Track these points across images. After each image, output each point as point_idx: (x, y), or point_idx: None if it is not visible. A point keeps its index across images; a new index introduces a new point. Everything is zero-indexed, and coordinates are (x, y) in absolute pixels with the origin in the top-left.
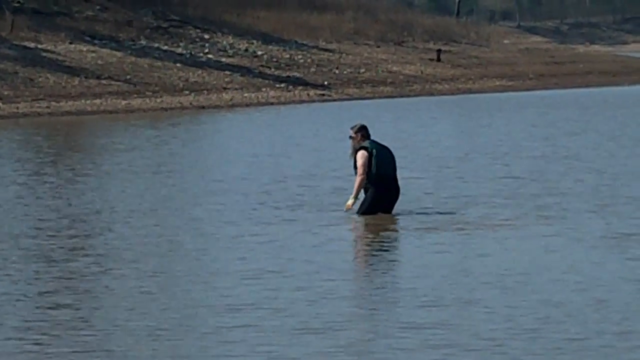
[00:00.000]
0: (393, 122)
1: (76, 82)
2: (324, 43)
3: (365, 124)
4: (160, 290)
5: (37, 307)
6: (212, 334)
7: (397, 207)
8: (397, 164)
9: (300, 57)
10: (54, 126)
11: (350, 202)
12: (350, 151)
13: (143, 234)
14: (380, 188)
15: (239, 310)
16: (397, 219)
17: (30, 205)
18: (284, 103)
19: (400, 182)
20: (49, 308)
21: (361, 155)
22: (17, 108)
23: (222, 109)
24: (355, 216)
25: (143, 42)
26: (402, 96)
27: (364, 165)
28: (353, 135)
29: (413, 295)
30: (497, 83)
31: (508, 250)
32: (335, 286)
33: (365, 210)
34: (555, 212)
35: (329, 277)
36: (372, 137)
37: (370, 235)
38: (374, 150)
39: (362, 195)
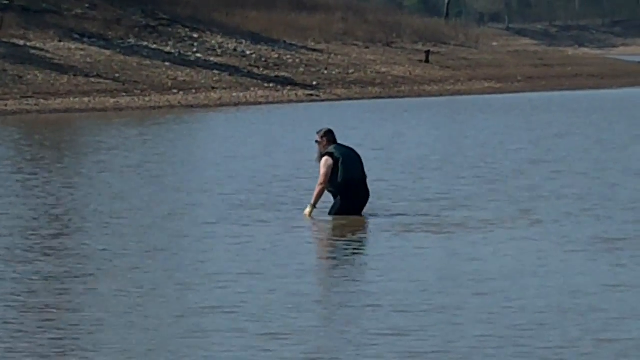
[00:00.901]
0: (379, 123)
1: (65, 80)
2: (312, 43)
3: (332, 128)
4: (134, 290)
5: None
6: (183, 337)
7: (376, 209)
8: (380, 166)
9: (289, 57)
10: (40, 124)
11: (307, 210)
12: (316, 156)
13: (118, 235)
14: (349, 194)
15: (211, 313)
16: (375, 221)
17: (8, 203)
18: (272, 103)
19: (380, 184)
20: (27, 309)
21: (324, 162)
22: (6, 105)
23: (211, 108)
24: (329, 217)
25: (132, 40)
26: (390, 97)
27: (325, 174)
28: (319, 139)
29: (387, 300)
30: (486, 85)
31: (488, 253)
32: (307, 290)
33: (335, 213)
34: (538, 215)
35: (300, 280)
36: (339, 141)
37: (346, 237)
38: (340, 156)
39: (328, 199)
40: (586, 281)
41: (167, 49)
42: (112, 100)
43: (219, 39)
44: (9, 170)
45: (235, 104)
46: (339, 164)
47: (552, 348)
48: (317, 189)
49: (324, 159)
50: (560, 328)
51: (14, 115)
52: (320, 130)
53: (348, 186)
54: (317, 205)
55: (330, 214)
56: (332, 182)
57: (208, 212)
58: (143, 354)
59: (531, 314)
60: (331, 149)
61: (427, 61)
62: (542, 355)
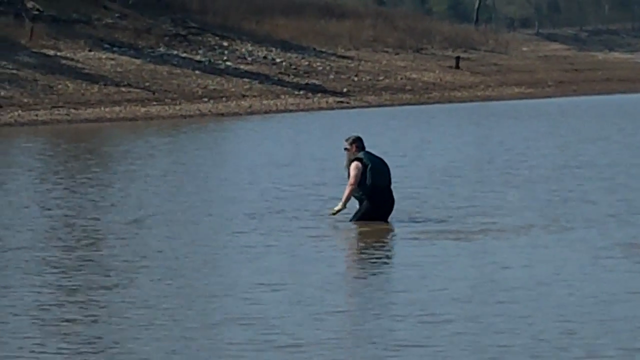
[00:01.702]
0: (408, 129)
1: (95, 90)
2: (342, 50)
3: (361, 134)
4: (156, 301)
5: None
6: (206, 349)
7: (402, 216)
8: (408, 172)
9: (319, 64)
10: (70, 134)
11: (337, 207)
12: (345, 162)
13: (140, 244)
14: (375, 200)
15: (233, 324)
16: (401, 229)
17: (30, 214)
18: (302, 110)
19: (407, 190)
20: (59, 320)
21: (355, 166)
22: (37, 115)
23: (241, 117)
24: (352, 225)
25: (162, 49)
26: (420, 103)
27: (356, 176)
28: (348, 146)
29: (413, 309)
30: (516, 90)
31: (515, 261)
32: (331, 300)
33: (359, 219)
34: (566, 221)
35: (324, 290)
36: (367, 149)
37: (370, 245)
38: (369, 162)
39: (355, 204)
40: (615, 289)
41: (197, 57)
42: (142, 109)
43: (249, 47)
44: (38, 180)
45: (266, 112)
46: (368, 170)
47: (582, 358)
48: (348, 189)
49: (354, 163)
50: (589, 337)
51: (45, 125)
52: (349, 138)
53: (375, 191)
54: (345, 208)
55: (352, 220)
56: (360, 187)
57: (231, 221)
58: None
59: (560, 323)
60: (360, 155)
61: (457, 67)
62: None
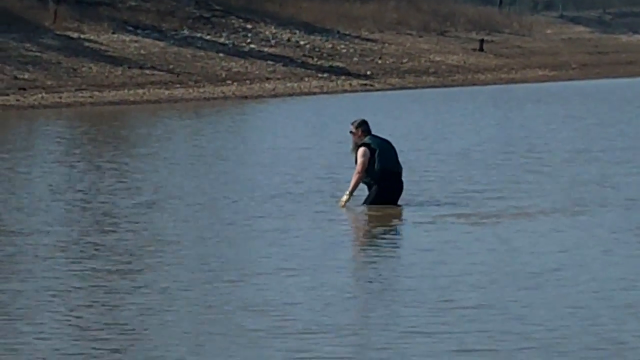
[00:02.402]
0: (431, 111)
1: (119, 72)
2: (366, 33)
3: (366, 119)
4: (174, 287)
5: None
6: (225, 335)
7: (420, 199)
8: (427, 155)
9: (342, 47)
10: (94, 116)
11: (344, 198)
12: (351, 146)
13: (158, 228)
14: (384, 184)
15: (252, 311)
16: (418, 212)
17: (54, 198)
18: (326, 93)
19: (429, 173)
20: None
21: (362, 152)
22: (60, 98)
23: (265, 99)
24: (365, 208)
25: (186, 32)
26: (444, 86)
27: (363, 163)
28: (354, 130)
29: (430, 295)
30: (540, 73)
31: (534, 245)
32: (345, 286)
33: (371, 203)
34: (585, 205)
35: (339, 275)
36: (373, 132)
37: (385, 230)
38: (377, 147)
39: (363, 190)
40: (636, 273)
41: (221, 40)
42: (166, 92)
43: (273, 30)
44: (54, 163)
45: (289, 95)
46: (376, 155)
47: (603, 344)
48: (355, 177)
49: (362, 149)
50: (611, 323)
51: (69, 108)
52: (355, 121)
53: (385, 176)
54: (354, 194)
55: (365, 203)
56: (368, 172)
57: (249, 204)
58: (184, 352)
59: (579, 310)
60: (367, 139)
61: (481, 50)
62: (584, 355)
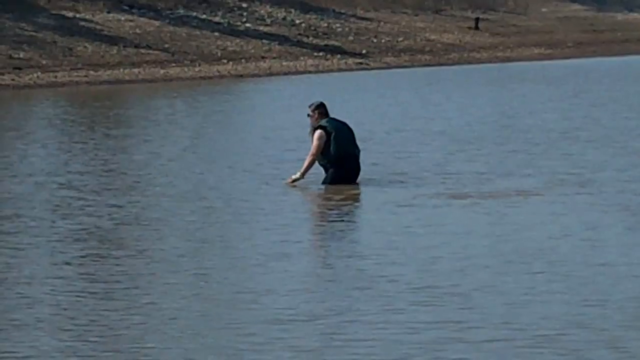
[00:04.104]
0: (424, 91)
1: (114, 52)
2: (361, 12)
3: (323, 100)
4: (162, 273)
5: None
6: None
7: (409, 179)
8: (417, 136)
9: (338, 25)
10: (90, 95)
11: (295, 176)
12: (309, 129)
13: (145, 209)
14: (340, 167)
15: (236, 302)
16: (408, 192)
17: (44, 182)
18: (321, 72)
19: (417, 154)
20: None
21: (318, 135)
22: (56, 77)
23: (260, 78)
24: (324, 187)
25: (181, 11)
26: (440, 65)
27: (318, 146)
28: (311, 113)
29: (436, 281)
30: (536, 51)
31: (529, 225)
32: (321, 270)
33: (329, 183)
34: (577, 185)
35: (310, 259)
36: (331, 115)
37: (374, 211)
38: (333, 130)
39: (316, 171)
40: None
41: (216, 19)
42: (161, 71)
43: (268, 9)
44: (44, 144)
45: (285, 74)
46: (332, 138)
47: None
48: (308, 159)
49: (318, 132)
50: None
51: (64, 87)
52: (312, 104)
53: (340, 159)
54: (303, 178)
55: (323, 183)
56: (324, 155)
57: (237, 187)
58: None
59: (588, 293)
60: (324, 122)
61: (476, 28)
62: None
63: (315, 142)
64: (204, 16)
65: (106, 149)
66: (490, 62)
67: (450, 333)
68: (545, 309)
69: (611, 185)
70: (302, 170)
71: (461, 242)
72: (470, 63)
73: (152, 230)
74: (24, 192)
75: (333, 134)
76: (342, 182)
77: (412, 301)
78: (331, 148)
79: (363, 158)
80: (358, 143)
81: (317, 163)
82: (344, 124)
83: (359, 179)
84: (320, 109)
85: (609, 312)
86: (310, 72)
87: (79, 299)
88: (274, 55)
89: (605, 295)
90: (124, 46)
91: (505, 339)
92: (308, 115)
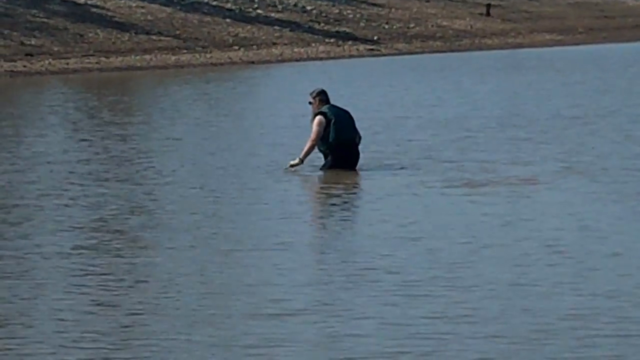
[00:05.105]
0: (435, 77)
1: (126, 38)
2: None
3: (325, 88)
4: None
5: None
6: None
7: (412, 167)
8: (424, 123)
9: (349, 12)
10: (101, 82)
11: (294, 161)
12: (311, 117)
13: (159, 198)
14: (339, 155)
15: (230, 294)
16: (414, 179)
17: (52, 169)
18: (333, 58)
19: (423, 141)
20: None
21: (318, 121)
22: (67, 64)
23: (272, 65)
24: (322, 172)
25: None
26: (451, 51)
27: (317, 132)
28: (312, 100)
29: (447, 272)
30: (547, 37)
31: (536, 214)
32: (324, 259)
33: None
34: (581, 172)
35: (320, 252)
36: (332, 102)
37: (383, 196)
38: (333, 117)
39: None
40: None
41: (228, 5)
42: (173, 58)
43: None
44: (53, 131)
45: (296, 60)
46: (331, 124)
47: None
48: (307, 145)
49: (317, 118)
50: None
51: (75, 74)
52: (313, 92)
53: (339, 146)
54: (302, 163)
55: (322, 169)
56: (323, 142)
57: (242, 176)
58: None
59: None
60: (324, 109)
61: (488, 14)
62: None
63: (314, 127)
64: (215, 2)
65: (113, 136)
66: (501, 48)
67: (454, 327)
68: (554, 301)
69: (619, 173)
70: (301, 155)
71: (464, 232)
72: (481, 49)
73: (150, 221)
74: (32, 179)
75: (333, 121)
76: (340, 169)
77: (413, 294)
78: (330, 135)
79: (365, 145)
80: (360, 130)
81: (316, 149)
82: (345, 111)
83: (359, 166)
84: (321, 96)
85: (619, 303)
86: (321, 58)
87: (82, 289)
88: (285, 41)
89: (616, 285)
90: (136, 33)
91: (511, 331)
92: (309, 102)
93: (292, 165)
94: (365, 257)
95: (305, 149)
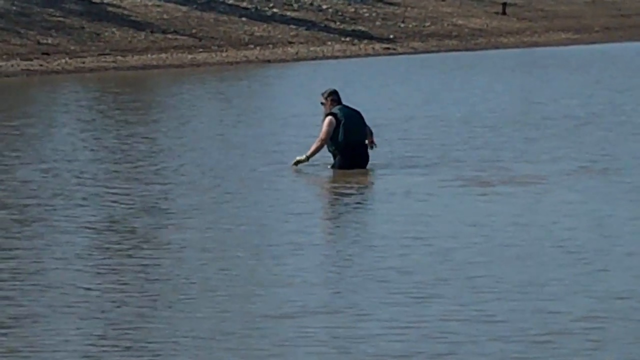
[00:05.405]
0: (449, 76)
1: (142, 37)
2: None
3: (336, 88)
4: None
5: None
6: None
7: (423, 166)
8: (438, 122)
9: (365, 10)
10: (118, 81)
11: (299, 158)
12: (322, 117)
13: (174, 197)
14: (348, 156)
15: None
16: (429, 178)
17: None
18: (349, 57)
19: (436, 141)
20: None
21: (328, 122)
22: (84, 63)
23: (288, 63)
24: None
25: None
26: (467, 49)
27: (327, 132)
28: (323, 100)
29: (460, 272)
30: (563, 36)
31: (551, 211)
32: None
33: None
34: (599, 170)
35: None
36: (343, 102)
37: (409, 197)
38: (343, 117)
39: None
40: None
41: (244, 4)
42: (189, 56)
43: None
44: (69, 129)
45: (312, 59)
46: (341, 125)
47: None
48: (316, 143)
49: (328, 118)
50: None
51: (92, 73)
52: (325, 92)
53: (348, 147)
54: (307, 161)
55: (331, 168)
56: (333, 141)
57: (254, 172)
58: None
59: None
60: (335, 109)
61: (503, 13)
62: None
63: (324, 127)
64: (231, 1)
65: (126, 135)
66: (517, 47)
67: (467, 328)
68: (567, 302)
69: (634, 172)
70: (308, 153)
71: (477, 232)
72: (497, 48)
73: (162, 221)
74: (45, 178)
75: (342, 122)
76: (350, 167)
77: (426, 295)
78: (339, 136)
79: (378, 143)
80: (373, 128)
81: (326, 149)
82: (356, 111)
83: (372, 165)
84: (333, 96)
85: (634, 304)
86: (337, 57)
87: (94, 290)
88: (301, 40)
89: (631, 286)
90: (152, 31)
91: (525, 333)
92: (321, 102)
93: (297, 162)
94: (378, 257)
95: (313, 147)
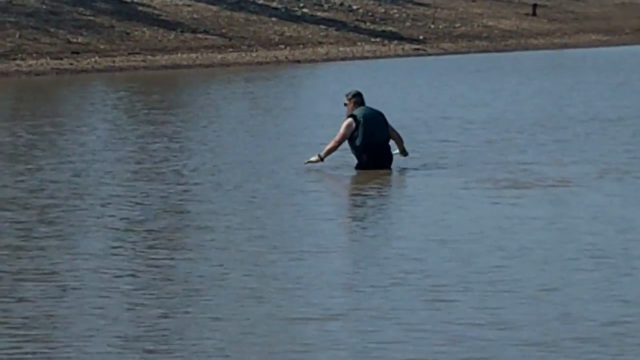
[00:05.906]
0: (478, 78)
1: (172, 36)
2: None
3: (360, 90)
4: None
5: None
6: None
7: (451, 168)
8: (464, 124)
9: (395, 11)
10: (147, 80)
11: (313, 158)
12: (344, 118)
13: (197, 196)
14: (368, 157)
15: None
16: (452, 181)
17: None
18: (379, 57)
19: (458, 143)
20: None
21: (346, 124)
22: (114, 62)
23: (317, 63)
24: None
25: None
26: (497, 51)
27: (343, 134)
28: (346, 102)
29: (477, 277)
30: (593, 38)
31: (571, 215)
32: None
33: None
34: (618, 173)
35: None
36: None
37: (421, 197)
38: (362, 119)
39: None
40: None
41: (274, 4)
42: (219, 56)
43: None
44: (96, 128)
45: (342, 59)
46: (360, 127)
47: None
48: (331, 144)
49: (347, 120)
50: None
51: (122, 72)
52: (349, 93)
53: (367, 149)
54: (322, 161)
55: (356, 168)
56: (352, 143)
57: (278, 175)
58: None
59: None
60: (356, 111)
61: (534, 14)
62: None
63: (342, 129)
64: (261, 1)
65: (152, 134)
66: (547, 48)
67: (491, 332)
68: (592, 306)
69: None
70: (322, 153)
71: (501, 235)
72: (527, 49)
73: (185, 222)
74: (67, 178)
75: (361, 123)
76: (374, 167)
77: (449, 298)
78: (358, 138)
79: (405, 144)
80: (399, 129)
81: (345, 148)
82: (378, 112)
83: (397, 166)
84: (356, 98)
85: None
86: (367, 57)
87: (114, 291)
88: (331, 40)
89: None
90: (182, 31)
91: (549, 338)
92: (344, 103)
93: (309, 161)
94: (402, 260)
95: (327, 147)
